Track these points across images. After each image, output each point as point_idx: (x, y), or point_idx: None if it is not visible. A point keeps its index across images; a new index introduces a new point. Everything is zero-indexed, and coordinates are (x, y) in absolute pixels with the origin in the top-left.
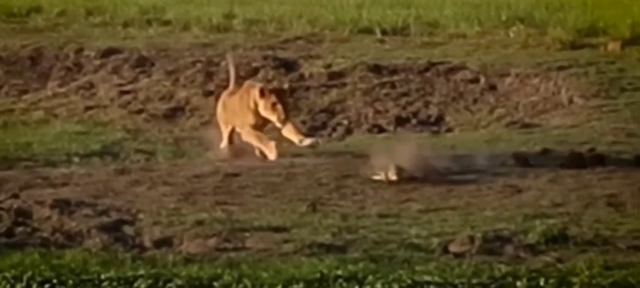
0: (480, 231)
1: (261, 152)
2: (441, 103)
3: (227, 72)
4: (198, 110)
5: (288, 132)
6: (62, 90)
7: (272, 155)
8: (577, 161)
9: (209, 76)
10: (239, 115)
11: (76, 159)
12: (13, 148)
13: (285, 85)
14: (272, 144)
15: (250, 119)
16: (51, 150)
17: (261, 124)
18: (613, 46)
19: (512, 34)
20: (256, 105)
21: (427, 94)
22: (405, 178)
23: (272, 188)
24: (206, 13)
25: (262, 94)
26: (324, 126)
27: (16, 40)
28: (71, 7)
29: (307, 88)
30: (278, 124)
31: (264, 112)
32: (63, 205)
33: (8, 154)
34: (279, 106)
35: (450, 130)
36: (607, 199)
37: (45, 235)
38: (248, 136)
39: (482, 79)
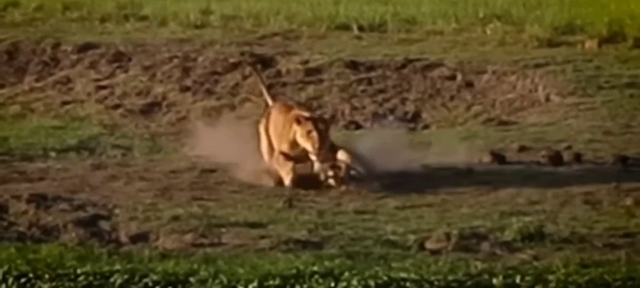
0: (457, 228)
1: (277, 174)
2: (417, 100)
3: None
4: (174, 106)
5: (322, 172)
6: (39, 84)
7: (287, 180)
8: (554, 159)
9: (186, 71)
10: (279, 137)
11: (53, 154)
12: None
13: (326, 116)
14: (289, 166)
15: (286, 147)
16: (27, 144)
17: (295, 156)
18: (590, 44)
19: (489, 32)
20: (295, 133)
21: (404, 91)
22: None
23: (248, 184)
24: (183, 9)
25: (298, 121)
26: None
27: None
28: (48, 1)
29: (284, 85)
30: (312, 157)
31: (301, 140)
32: (39, 200)
33: None
34: (314, 134)
35: (426, 126)
36: (584, 196)
37: (21, 229)
38: (274, 160)
39: (459, 76)
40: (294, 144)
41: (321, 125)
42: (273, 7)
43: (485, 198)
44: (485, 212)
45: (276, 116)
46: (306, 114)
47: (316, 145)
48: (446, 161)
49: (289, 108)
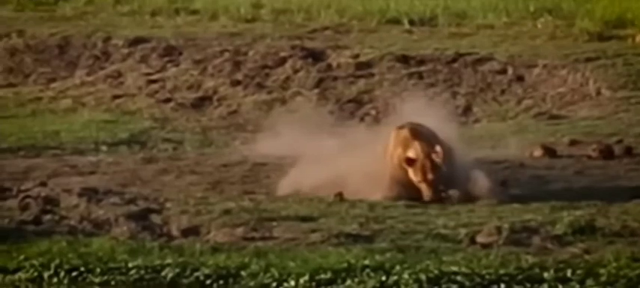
0: (508, 222)
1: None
2: (468, 94)
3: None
4: (225, 99)
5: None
6: (90, 78)
7: (426, 196)
8: (604, 153)
9: (237, 65)
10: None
11: (104, 147)
12: (41, 136)
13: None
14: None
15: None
16: (79, 138)
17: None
18: None
19: (540, 26)
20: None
21: (455, 85)
22: None
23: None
24: (234, 3)
25: (409, 163)
26: (351, 116)
27: (45, 28)
28: None
29: (335, 79)
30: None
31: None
32: (90, 194)
33: (36, 143)
34: (423, 185)
35: (477, 120)
36: (634, 190)
37: (72, 223)
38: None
39: (510, 70)
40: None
41: (430, 169)
42: (323, 1)
43: (536, 192)
44: (536, 206)
45: (392, 148)
46: (416, 152)
47: (427, 193)
48: (497, 155)
49: (406, 143)
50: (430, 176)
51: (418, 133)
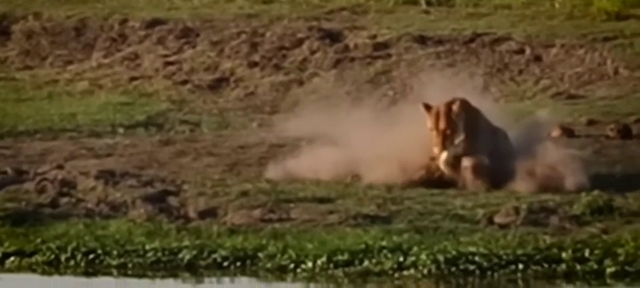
0: (525, 202)
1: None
2: (486, 74)
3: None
4: (242, 81)
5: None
6: (107, 61)
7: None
8: (622, 132)
9: (254, 47)
10: None
11: (121, 130)
12: (57, 118)
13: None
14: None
15: None
16: (95, 121)
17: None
18: None
19: (557, 5)
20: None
21: (472, 65)
22: None
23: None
24: None
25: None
26: (369, 97)
27: (61, 10)
28: None
29: (352, 60)
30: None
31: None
32: (107, 176)
33: (53, 125)
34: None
35: (495, 100)
36: None
37: (89, 205)
38: None
39: (528, 50)
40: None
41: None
42: None
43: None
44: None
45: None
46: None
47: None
48: (515, 135)
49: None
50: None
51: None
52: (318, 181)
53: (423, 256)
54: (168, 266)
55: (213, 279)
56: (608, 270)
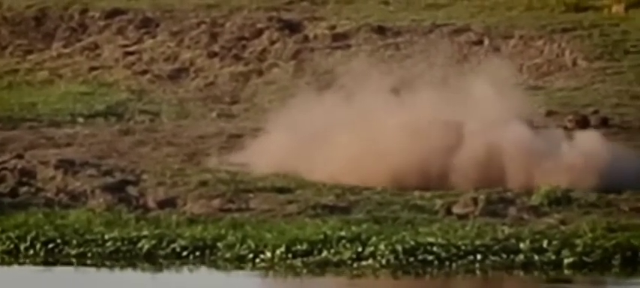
0: (484, 192)
1: None
2: (445, 65)
3: None
4: (202, 71)
5: None
6: (67, 50)
7: None
8: (581, 123)
9: (213, 37)
10: None
11: (81, 119)
12: (17, 108)
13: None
14: None
15: None
16: (55, 110)
17: None
18: (617, 9)
19: None
20: None
21: (431, 56)
22: None
23: None
24: None
25: None
26: (327, 87)
27: (21, 0)
28: None
29: (311, 50)
30: None
31: None
32: (67, 166)
33: (13, 114)
34: None
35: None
36: None
37: (49, 195)
38: None
39: (487, 41)
40: None
41: None
42: None
43: None
44: None
45: None
46: None
47: None
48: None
49: None
50: None
51: None
52: (277, 171)
53: (382, 247)
54: (127, 256)
55: (173, 269)
56: (566, 260)
